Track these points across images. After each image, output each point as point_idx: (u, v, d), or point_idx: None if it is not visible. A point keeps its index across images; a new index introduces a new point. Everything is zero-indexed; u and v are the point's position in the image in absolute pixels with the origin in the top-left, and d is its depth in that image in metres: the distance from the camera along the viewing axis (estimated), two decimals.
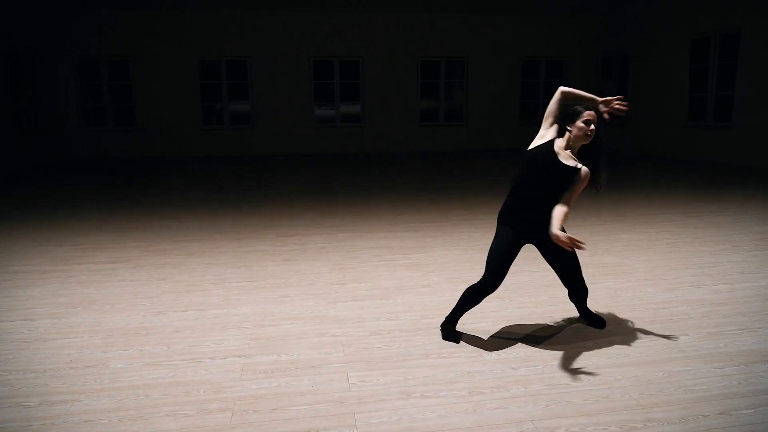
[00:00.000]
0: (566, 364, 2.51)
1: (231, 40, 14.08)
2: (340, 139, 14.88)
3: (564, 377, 2.39)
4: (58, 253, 4.63)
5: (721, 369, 2.45)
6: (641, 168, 10.52)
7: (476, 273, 3.90)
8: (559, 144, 2.57)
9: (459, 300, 2.74)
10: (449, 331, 2.81)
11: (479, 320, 3.05)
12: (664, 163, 11.26)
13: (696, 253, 4.38)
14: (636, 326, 2.94)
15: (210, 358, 2.62)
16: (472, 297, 2.68)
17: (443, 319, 3.00)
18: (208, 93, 14.44)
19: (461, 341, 2.76)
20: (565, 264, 2.71)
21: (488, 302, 3.31)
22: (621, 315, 3.10)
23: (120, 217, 6.18)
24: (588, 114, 2.51)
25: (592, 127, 2.51)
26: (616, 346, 2.69)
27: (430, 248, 4.66)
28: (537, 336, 2.82)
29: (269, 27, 14.14)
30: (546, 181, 2.54)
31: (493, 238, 2.74)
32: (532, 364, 2.51)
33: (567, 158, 2.55)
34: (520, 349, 2.67)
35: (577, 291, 2.82)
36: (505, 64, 15.11)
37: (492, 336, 2.84)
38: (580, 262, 4.16)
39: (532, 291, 3.52)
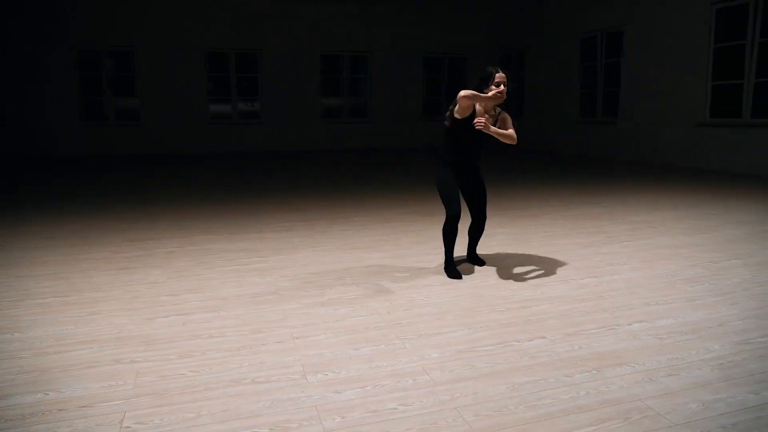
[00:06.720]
0: (401, 383, 2.13)
1: (114, 28, 12.88)
2: (237, 137, 14.06)
3: (393, 400, 2.00)
4: None
5: (570, 377, 2.16)
6: (534, 164, 10.63)
7: (336, 275, 3.48)
8: (479, 109, 3.25)
9: (444, 244, 3.41)
10: (451, 270, 3.41)
11: (319, 333, 2.62)
12: (558, 158, 11.48)
13: (569, 246, 4.21)
14: (490, 330, 2.63)
15: None
16: (449, 235, 3.33)
17: (444, 265, 3.56)
18: (88, 86, 13.13)
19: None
20: (480, 195, 3.48)
21: (336, 310, 2.89)
22: (478, 318, 2.78)
23: None
24: (499, 76, 3.12)
25: (502, 87, 3.07)
26: (463, 356, 2.35)
27: (293, 249, 4.20)
28: (380, 349, 2.42)
29: (157, 14, 13.07)
30: (479, 136, 3.29)
31: (438, 182, 3.40)
32: (361, 386, 2.11)
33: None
34: (353, 367, 2.26)
35: (479, 222, 3.55)
36: (407, 59, 14.93)
37: (329, 352, 2.41)
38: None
39: (388, 296, 3.15)
